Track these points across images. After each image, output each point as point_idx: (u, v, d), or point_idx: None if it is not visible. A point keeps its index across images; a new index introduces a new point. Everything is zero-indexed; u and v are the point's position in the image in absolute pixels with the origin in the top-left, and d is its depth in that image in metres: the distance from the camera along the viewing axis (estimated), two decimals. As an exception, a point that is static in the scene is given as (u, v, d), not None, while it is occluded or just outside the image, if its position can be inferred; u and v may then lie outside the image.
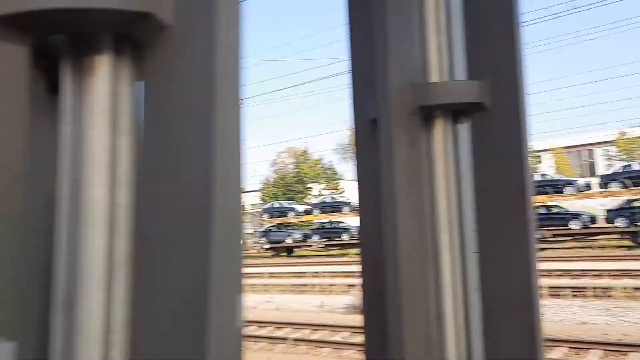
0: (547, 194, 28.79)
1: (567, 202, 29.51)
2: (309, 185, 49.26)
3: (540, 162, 43.34)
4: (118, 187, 0.67)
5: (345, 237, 34.00)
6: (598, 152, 43.75)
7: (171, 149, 0.66)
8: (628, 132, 40.70)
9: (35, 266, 0.67)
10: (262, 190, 50.78)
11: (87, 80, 0.67)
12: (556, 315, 12.10)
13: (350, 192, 44.24)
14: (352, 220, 38.27)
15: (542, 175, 31.69)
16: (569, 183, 29.75)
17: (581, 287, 14.83)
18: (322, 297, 16.70)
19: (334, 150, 56.17)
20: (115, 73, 0.68)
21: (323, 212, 36.79)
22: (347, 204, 36.05)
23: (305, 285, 19.50)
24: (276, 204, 41.47)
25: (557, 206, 29.92)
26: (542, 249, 26.38)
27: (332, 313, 14.42)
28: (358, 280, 1.22)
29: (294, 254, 36.74)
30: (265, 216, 40.41)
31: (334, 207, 36.53)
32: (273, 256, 36.15)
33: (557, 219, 28.60)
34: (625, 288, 14.06)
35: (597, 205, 31.82)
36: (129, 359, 0.65)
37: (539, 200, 28.65)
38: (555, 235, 28.74)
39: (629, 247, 25.71)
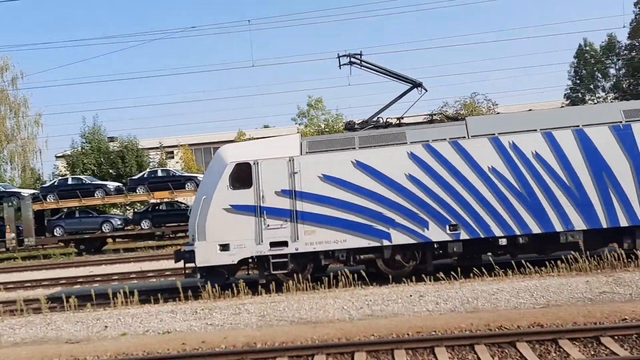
0: (169, 189, 29.17)
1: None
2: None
3: (172, 157, 44.65)
4: None
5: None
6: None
7: None
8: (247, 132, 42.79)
9: None
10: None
11: None
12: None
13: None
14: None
15: (166, 170, 31.42)
16: (190, 179, 29.75)
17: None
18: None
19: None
20: None
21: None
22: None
23: None
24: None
25: (179, 202, 30.13)
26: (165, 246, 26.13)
27: None
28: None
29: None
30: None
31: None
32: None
33: (178, 216, 28.65)
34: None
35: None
36: None
37: (160, 195, 29.32)
38: (175, 232, 28.98)
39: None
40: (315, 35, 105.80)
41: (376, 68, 14.32)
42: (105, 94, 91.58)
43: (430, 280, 11.68)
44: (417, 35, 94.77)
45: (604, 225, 12.12)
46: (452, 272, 11.70)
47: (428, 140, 12.51)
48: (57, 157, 45.28)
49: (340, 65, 14.27)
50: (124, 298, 12.08)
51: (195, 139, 48.80)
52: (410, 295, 10.68)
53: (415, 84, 14.23)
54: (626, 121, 12.24)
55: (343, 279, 11.94)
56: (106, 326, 10.68)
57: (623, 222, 12.09)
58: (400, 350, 7.84)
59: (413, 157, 12.41)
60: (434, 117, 14.40)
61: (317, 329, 9.34)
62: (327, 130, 35.03)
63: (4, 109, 41.73)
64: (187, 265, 12.92)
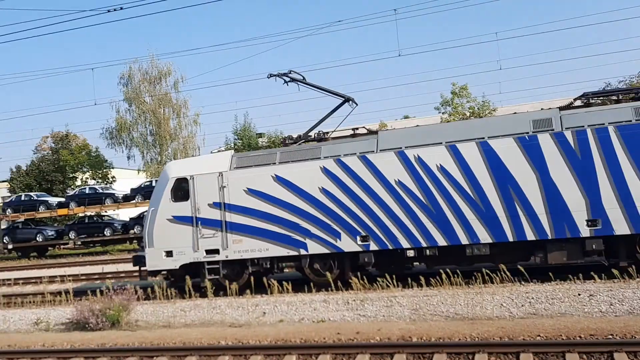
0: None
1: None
2: (72, 174, 42.42)
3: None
4: None
5: (107, 233, 31.24)
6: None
7: None
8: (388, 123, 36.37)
9: None
10: (11, 181, 43.45)
11: None
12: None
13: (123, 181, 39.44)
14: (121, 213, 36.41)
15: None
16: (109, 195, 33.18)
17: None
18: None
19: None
20: None
21: (81, 204, 32.79)
22: (110, 195, 32.81)
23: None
24: (23, 196, 35.55)
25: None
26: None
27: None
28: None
29: (48, 254, 33.60)
30: (9, 211, 34.29)
31: (96, 199, 32.73)
32: (20, 258, 32.55)
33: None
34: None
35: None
36: None
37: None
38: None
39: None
40: (460, 20, 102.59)
41: (308, 85, 14.70)
42: (253, 93, 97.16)
43: (601, 278, 10.59)
44: (572, 12, 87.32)
45: (510, 239, 11.51)
46: (630, 269, 10.50)
47: (340, 155, 12.65)
48: (212, 153, 48.78)
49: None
50: (279, 286, 12.62)
51: (337, 133, 49.81)
52: (579, 294, 9.77)
53: (346, 99, 14.53)
54: (533, 132, 11.51)
55: (499, 274, 11.31)
56: (264, 312, 11.24)
57: (530, 236, 11.38)
58: (573, 354, 7.19)
59: (326, 171, 12.77)
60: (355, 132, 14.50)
61: (475, 326, 8.95)
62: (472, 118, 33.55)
63: (168, 110, 45.94)
64: (142, 268, 14.25)
